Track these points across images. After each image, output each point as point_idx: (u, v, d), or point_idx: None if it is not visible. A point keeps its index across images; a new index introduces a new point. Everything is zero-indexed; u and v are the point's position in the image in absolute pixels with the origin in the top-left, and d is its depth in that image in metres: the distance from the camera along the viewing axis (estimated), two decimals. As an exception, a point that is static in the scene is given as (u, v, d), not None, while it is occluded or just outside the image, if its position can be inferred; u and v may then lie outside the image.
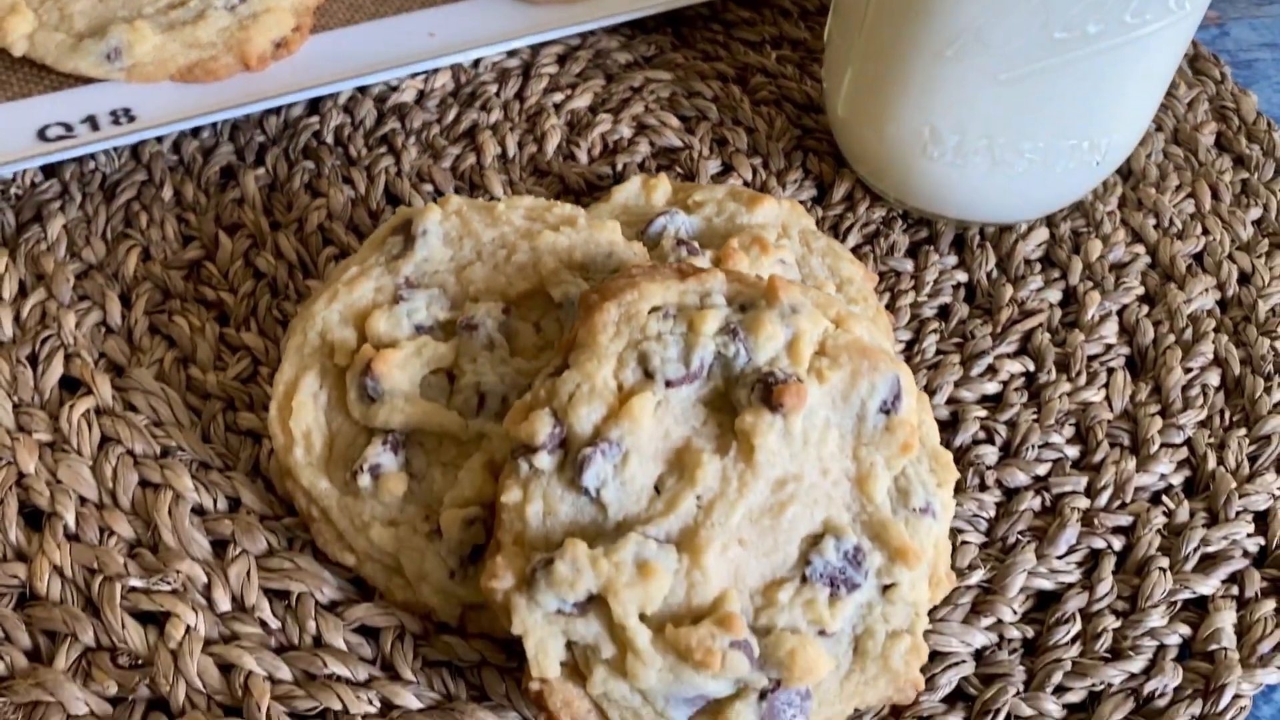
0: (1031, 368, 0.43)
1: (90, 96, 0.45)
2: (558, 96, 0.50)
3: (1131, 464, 0.40)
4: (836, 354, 0.33)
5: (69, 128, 0.43)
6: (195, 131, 0.47)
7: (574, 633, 0.30)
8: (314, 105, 0.48)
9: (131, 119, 0.44)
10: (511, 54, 0.51)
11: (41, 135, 0.43)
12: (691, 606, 0.30)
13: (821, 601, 0.31)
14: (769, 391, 0.31)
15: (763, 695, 0.30)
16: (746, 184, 0.47)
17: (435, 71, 0.49)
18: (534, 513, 0.31)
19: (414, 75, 0.49)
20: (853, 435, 0.33)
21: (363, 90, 0.49)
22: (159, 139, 0.46)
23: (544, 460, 0.31)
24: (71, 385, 0.39)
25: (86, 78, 0.45)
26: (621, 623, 0.30)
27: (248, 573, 0.35)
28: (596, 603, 0.30)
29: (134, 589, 0.34)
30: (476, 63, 0.50)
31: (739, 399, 0.32)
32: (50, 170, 0.45)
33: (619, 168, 0.47)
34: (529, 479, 0.31)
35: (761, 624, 0.31)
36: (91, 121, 0.44)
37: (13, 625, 0.33)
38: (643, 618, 0.30)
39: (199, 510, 0.36)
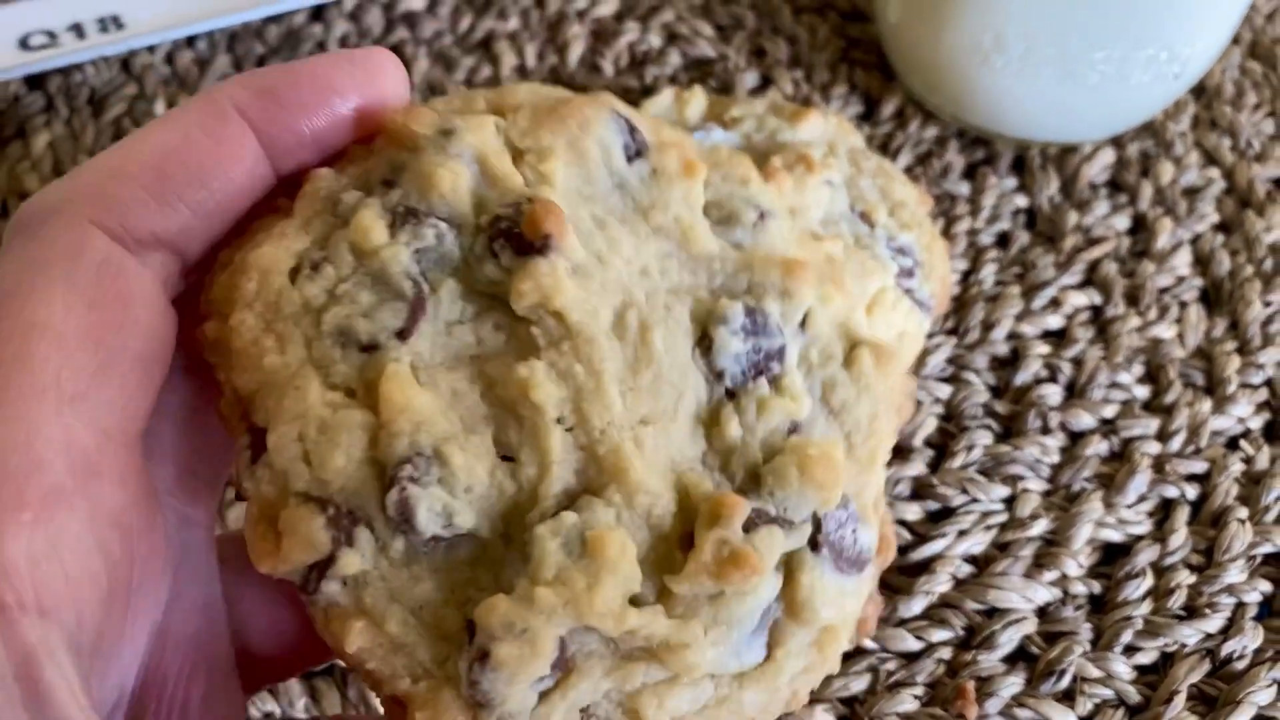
0: (1098, 300, 0.39)
1: (76, 1, 0.41)
2: (581, 2, 0.46)
3: (1207, 405, 0.37)
4: (524, 135, 0.22)
5: (53, 35, 0.40)
6: (190, 41, 0.43)
7: (579, 701, 0.21)
8: (318, 12, 0.44)
9: (121, 26, 0.41)
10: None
11: (23, 44, 0.40)
12: (666, 536, 0.21)
13: (766, 397, 0.22)
14: (513, 235, 0.21)
15: (813, 544, 0.22)
16: (787, 99, 0.43)
17: (449, -23, 0.46)
18: (378, 631, 0.20)
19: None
20: (627, 212, 0.23)
21: (371, -4, 0.45)
22: (151, 49, 0.43)
23: (353, 560, 0.20)
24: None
25: (74, -19, 0.42)
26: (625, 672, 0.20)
27: None
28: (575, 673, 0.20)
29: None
30: (494, -33, 0.47)
31: (485, 272, 0.21)
32: (34, 82, 0.42)
33: (648, 80, 0.44)
34: (346, 603, 0.20)
35: (741, 476, 0.22)
36: (77, 29, 0.40)
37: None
38: (634, 601, 0.20)
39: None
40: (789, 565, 0.21)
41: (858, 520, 0.23)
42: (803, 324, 0.23)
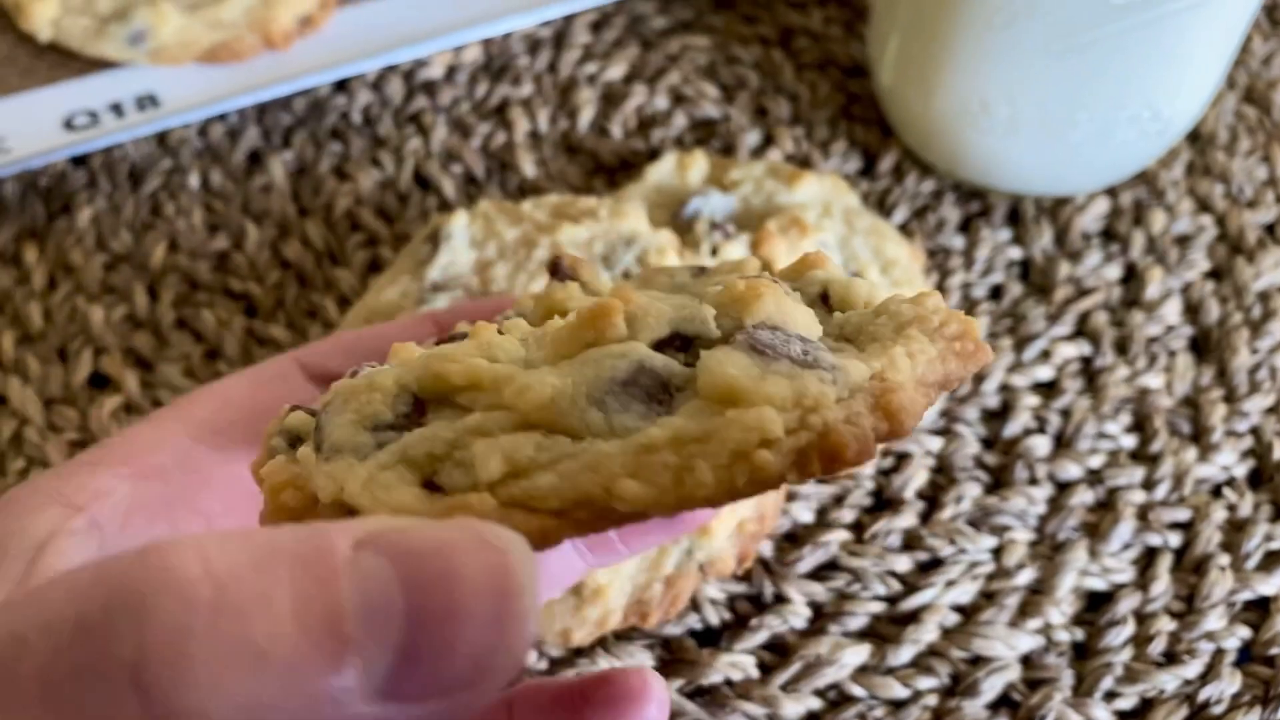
0: (1088, 351, 0.41)
1: (116, 81, 0.44)
2: (591, 67, 0.48)
3: (1192, 454, 0.38)
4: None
5: (95, 115, 0.43)
6: (222, 114, 0.46)
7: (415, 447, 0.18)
8: (341, 82, 0.47)
9: (157, 105, 0.43)
10: (544, 21, 0.49)
11: (68, 124, 0.42)
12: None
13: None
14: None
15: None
16: (788, 157, 0.45)
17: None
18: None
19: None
20: None
21: (391, 65, 0.47)
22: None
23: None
24: (100, 380, 0.39)
25: (112, 62, 0.44)
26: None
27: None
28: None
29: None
30: (508, 33, 0.49)
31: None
32: (78, 159, 0.45)
33: (654, 142, 0.46)
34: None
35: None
36: (117, 108, 0.43)
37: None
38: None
39: (228, 511, 0.36)
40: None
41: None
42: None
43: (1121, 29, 0.36)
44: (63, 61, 0.45)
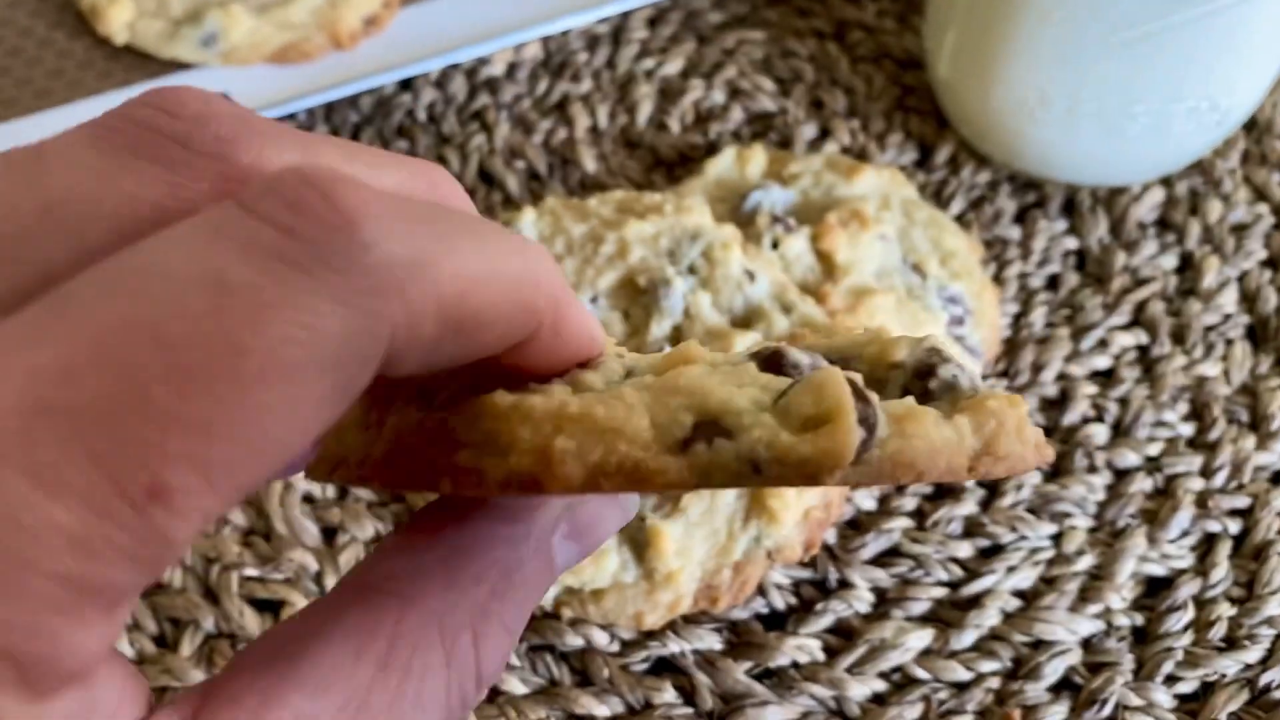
0: (1145, 340, 0.41)
1: (189, 82, 0.45)
2: (649, 63, 0.49)
3: (1250, 442, 0.38)
4: None
5: (171, 116, 0.44)
6: (291, 113, 0.47)
7: None
8: (406, 81, 0.48)
9: (230, 104, 0.45)
10: (601, 19, 0.50)
11: (145, 125, 0.44)
12: None
13: None
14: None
15: None
16: (845, 149, 0.46)
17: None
18: None
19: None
20: None
21: (454, 64, 0.48)
22: (257, 121, 0.47)
23: None
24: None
25: (186, 64, 0.46)
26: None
27: (357, 559, 0.36)
28: None
29: (249, 577, 0.36)
30: (566, 30, 0.50)
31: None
32: (155, 157, 0.46)
33: (712, 136, 0.46)
34: None
35: None
36: (192, 109, 0.44)
37: (141, 613, 0.35)
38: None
39: (309, 498, 0.37)
40: None
41: None
42: None
43: (1179, 22, 0.37)
44: (138, 64, 0.46)
